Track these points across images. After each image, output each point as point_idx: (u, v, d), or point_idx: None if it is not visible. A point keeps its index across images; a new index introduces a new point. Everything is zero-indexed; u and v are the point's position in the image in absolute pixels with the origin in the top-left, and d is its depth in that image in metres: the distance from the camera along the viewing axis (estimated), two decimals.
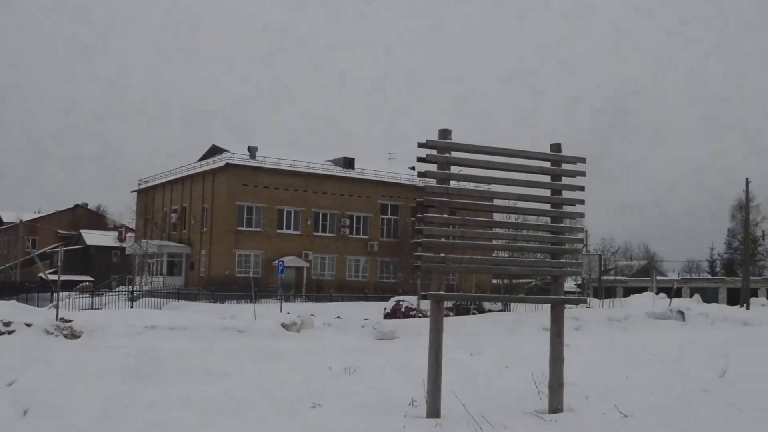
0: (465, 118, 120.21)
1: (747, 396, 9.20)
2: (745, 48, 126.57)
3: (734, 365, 16.07)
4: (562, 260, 9.18)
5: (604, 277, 57.45)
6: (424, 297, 9.43)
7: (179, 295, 42.01)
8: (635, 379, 13.33)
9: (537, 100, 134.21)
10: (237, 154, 49.13)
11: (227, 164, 48.18)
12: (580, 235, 9.89)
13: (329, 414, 8.23)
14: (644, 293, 44.35)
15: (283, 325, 21.30)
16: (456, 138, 8.47)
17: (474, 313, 31.89)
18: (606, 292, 50.13)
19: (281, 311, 27.78)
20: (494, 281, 49.35)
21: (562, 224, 9.17)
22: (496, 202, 11.44)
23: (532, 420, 7.83)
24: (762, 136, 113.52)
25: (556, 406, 8.60)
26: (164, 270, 51.22)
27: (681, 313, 31.63)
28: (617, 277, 67.17)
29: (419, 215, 8.59)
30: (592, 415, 8.04)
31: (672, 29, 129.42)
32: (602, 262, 62.16)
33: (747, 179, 46.85)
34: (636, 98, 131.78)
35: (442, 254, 8.34)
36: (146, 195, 58.69)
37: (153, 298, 38.94)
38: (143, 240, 53.24)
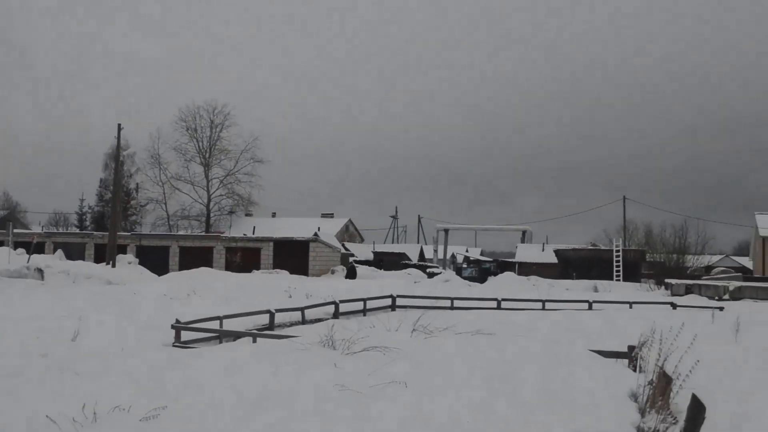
0: None
1: (88, 358, 10.27)
2: None
3: (89, 328, 17.62)
4: None
5: None
6: None
7: None
8: None
9: None
10: None
11: None
12: None
13: None
14: (0, 248, 43.96)
15: None
16: None
17: None
18: None
19: None
20: None
21: None
22: None
23: None
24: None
25: None
26: None
27: (40, 270, 32.69)
28: None
29: None
30: None
31: None
32: None
33: (119, 125, 50.04)
34: None
35: None
36: None
37: None
38: None
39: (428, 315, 14.92)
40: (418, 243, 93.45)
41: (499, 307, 29.71)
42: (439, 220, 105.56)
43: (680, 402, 7.74)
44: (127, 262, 46.44)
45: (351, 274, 53.30)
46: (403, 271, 58.74)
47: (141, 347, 15.21)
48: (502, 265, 65.13)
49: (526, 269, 61.46)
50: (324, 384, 8.28)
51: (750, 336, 18.16)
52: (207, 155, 74.45)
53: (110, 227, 50.09)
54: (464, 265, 64.01)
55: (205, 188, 74.49)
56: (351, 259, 63.24)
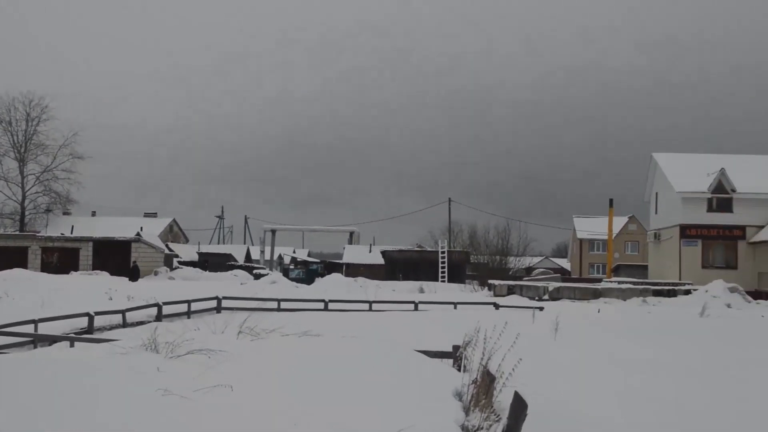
0: None
1: None
2: None
3: None
4: None
5: None
6: None
7: None
8: None
9: None
10: None
11: None
12: None
13: None
14: None
15: None
16: None
17: None
18: None
19: None
20: None
21: None
22: None
23: None
24: None
25: None
26: None
27: None
28: None
29: None
30: None
31: None
32: None
33: None
34: None
35: None
36: None
37: None
38: None
39: (255, 317, 14.73)
40: (244, 244, 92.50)
41: (326, 309, 29.84)
42: (267, 220, 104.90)
43: (503, 399, 8.00)
44: None
45: (133, 275, 50.24)
46: (230, 272, 57.90)
47: None
48: (329, 266, 65.53)
49: (353, 270, 62.07)
50: (146, 389, 7.99)
51: (567, 334, 19.14)
52: (22, 150, 70.72)
53: None
54: (291, 267, 63.89)
55: (20, 185, 70.82)
56: (175, 260, 61.66)
